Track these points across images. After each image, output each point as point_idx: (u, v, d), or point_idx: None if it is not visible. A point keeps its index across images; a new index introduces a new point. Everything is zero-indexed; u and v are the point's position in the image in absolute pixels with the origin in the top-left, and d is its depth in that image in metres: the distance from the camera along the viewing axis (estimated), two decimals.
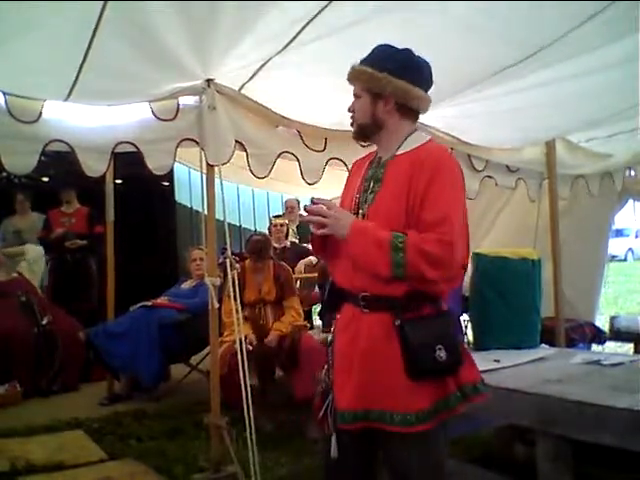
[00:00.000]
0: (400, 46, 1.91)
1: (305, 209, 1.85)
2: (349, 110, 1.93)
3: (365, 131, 1.91)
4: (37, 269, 5.98)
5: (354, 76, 1.89)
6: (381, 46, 1.90)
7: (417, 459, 1.75)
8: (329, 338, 1.93)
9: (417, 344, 1.71)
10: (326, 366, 1.91)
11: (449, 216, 1.71)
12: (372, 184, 1.86)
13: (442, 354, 1.71)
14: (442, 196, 1.73)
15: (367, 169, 1.93)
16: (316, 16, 2.51)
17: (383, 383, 1.75)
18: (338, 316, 1.91)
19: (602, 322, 5.90)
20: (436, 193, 1.72)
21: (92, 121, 2.99)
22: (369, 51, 1.91)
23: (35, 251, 5.97)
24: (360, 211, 1.84)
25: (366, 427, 1.76)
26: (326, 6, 2.44)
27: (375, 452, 1.88)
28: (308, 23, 2.55)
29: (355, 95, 1.90)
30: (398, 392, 1.73)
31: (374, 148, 1.99)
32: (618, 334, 5.58)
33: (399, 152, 1.86)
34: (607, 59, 3.06)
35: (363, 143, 2.05)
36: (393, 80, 1.82)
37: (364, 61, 1.89)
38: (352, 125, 1.95)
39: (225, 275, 3.45)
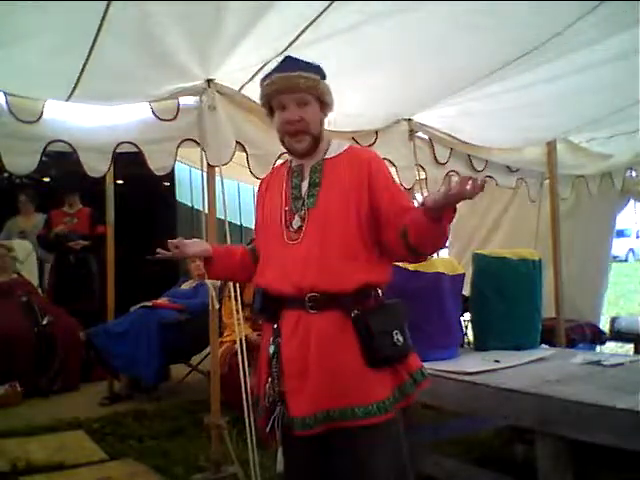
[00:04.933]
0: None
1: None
2: (295, 120, 1.84)
3: (316, 142, 1.90)
4: (30, 267, 5.95)
5: (309, 84, 1.84)
6: (295, 58, 1.91)
7: (381, 448, 1.78)
8: (271, 350, 1.85)
9: (378, 331, 1.77)
10: (270, 379, 1.84)
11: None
12: (308, 189, 1.89)
13: (400, 338, 1.81)
14: (399, 186, 1.97)
15: (288, 179, 1.95)
16: (317, 18, 2.52)
17: (342, 379, 1.76)
18: (275, 325, 1.86)
19: (603, 323, 5.90)
20: (396, 184, 1.94)
21: (93, 121, 2.99)
22: (307, 61, 1.91)
23: (21, 247, 5.92)
24: (296, 217, 1.87)
25: (327, 429, 1.76)
26: (326, 8, 2.44)
27: (328, 455, 1.87)
28: (309, 25, 2.56)
29: (301, 103, 1.84)
30: (358, 385, 1.76)
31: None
32: (618, 334, 5.57)
33: (327, 157, 1.93)
34: (606, 54, 3.06)
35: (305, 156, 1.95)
36: (330, 91, 1.92)
37: (303, 70, 1.86)
38: (297, 138, 1.87)
39: None
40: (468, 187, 1.53)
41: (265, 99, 1.91)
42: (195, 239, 2.09)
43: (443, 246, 1.81)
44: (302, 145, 1.88)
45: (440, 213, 1.63)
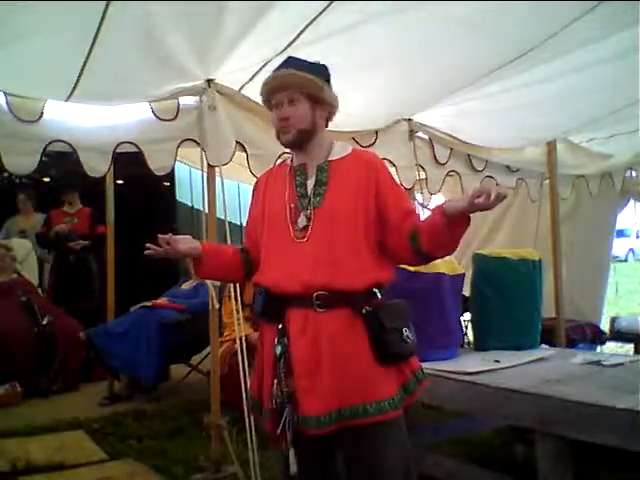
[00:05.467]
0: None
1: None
2: (281, 118, 1.89)
3: (303, 137, 1.91)
4: (30, 266, 5.95)
5: (297, 81, 1.86)
6: (294, 57, 1.93)
7: (391, 445, 1.81)
8: (278, 350, 1.84)
9: (390, 327, 1.80)
10: (276, 380, 1.83)
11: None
12: (314, 188, 1.90)
13: (409, 335, 1.84)
14: (403, 191, 2.03)
15: (290, 177, 1.96)
16: (316, 18, 2.52)
17: (353, 377, 1.77)
18: (280, 326, 1.85)
19: (603, 322, 5.90)
20: (400, 189, 2.01)
21: (93, 121, 2.99)
22: (314, 60, 1.93)
23: (20, 246, 5.92)
24: (301, 216, 1.87)
25: (338, 428, 1.77)
26: (326, 8, 2.44)
27: (334, 454, 1.89)
28: (309, 25, 2.57)
29: (290, 101, 1.87)
30: (369, 382, 1.78)
31: None
32: (618, 334, 5.57)
33: (332, 158, 1.94)
34: (606, 53, 3.06)
35: (289, 151, 2.03)
36: (329, 89, 1.92)
37: (294, 69, 1.88)
38: (284, 133, 1.90)
39: None
40: (492, 198, 1.59)
41: (263, 98, 1.96)
42: (186, 236, 2.03)
43: (453, 252, 1.84)
44: (286, 137, 1.92)
45: (456, 220, 1.69)
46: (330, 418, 1.75)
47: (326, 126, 2.00)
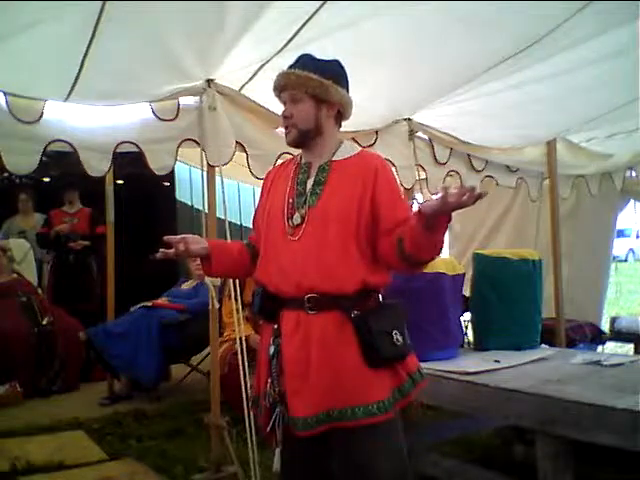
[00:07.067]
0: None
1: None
2: (284, 115, 1.91)
3: (306, 137, 1.91)
4: (28, 266, 5.95)
5: (299, 82, 1.85)
6: (307, 55, 1.93)
7: (382, 449, 1.79)
8: (271, 350, 1.86)
9: (377, 331, 1.78)
10: (270, 379, 1.85)
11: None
12: (312, 187, 1.89)
13: (399, 338, 1.82)
14: (402, 198, 1.96)
15: (294, 174, 1.96)
16: (313, 16, 2.52)
17: (343, 380, 1.77)
18: (275, 326, 1.87)
19: (603, 322, 5.90)
20: (398, 195, 1.93)
21: (93, 121, 2.99)
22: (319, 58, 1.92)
23: (18, 245, 5.91)
24: (297, 214, 1.87)
25: (327, 429, 1.77)
26: (321, 6, 2.44)
27: (328, 455, 1.88)
28: (306, 23, 2.56)
29: (294, 100, 1.87)
30: (358, 386, 1.77)
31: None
32: (618, 334, 5.57)
33: (336, 158, 1.93)
34: (604, 50, 3.05)
35: (295, 150, 2.04)
36: (338, 88, 1.89)
37: (300, 68, 1.87)
38: (287, 131, 1.92)
39: None
40: (465, 197, 1.54)
41: (275, 95, 1.97)
42: (195, 236, 2.02)
43: (438, 255, 1.80)
44: (289, 138, 1.93)
45: (435, 221, 1.63)
46: (317, 420, 1.75)
47: (338, 126, 1.98)
